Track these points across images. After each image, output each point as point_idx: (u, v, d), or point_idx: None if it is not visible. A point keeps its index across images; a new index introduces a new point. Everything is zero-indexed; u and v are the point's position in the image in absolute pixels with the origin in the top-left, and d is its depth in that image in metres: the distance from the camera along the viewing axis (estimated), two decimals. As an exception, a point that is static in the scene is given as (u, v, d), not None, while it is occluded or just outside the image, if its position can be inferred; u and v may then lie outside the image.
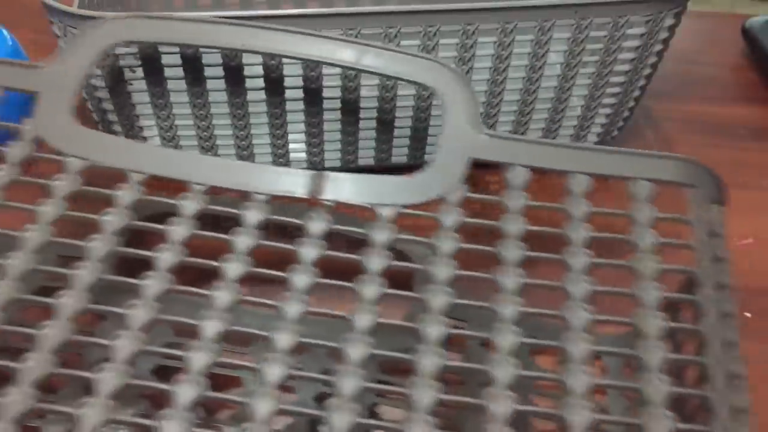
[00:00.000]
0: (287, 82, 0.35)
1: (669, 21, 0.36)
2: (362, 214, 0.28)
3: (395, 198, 0.27)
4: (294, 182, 0.27)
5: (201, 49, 0.33)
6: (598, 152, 0.28)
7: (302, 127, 0.37)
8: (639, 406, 0.23)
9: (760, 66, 0.51)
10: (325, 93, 0.36)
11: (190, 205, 0.26)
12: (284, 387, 0.23)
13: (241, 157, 0.39)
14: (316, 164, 0.39)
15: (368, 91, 0.36)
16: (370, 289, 0.25)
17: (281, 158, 0.39)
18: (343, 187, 0.27)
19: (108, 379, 0.22)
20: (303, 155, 0.39)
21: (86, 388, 0.22)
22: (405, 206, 0.27)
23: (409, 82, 0.29)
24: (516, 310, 0.24)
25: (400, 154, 0.40)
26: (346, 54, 0.29)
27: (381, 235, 0.26)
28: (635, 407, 0.29)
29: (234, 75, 0.35)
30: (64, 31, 0.33)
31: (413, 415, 0.22)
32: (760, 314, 0.35)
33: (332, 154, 0.39)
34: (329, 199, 0.27)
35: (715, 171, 0.29)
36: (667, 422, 0.22)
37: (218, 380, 0.24)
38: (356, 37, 0.33)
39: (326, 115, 0.37)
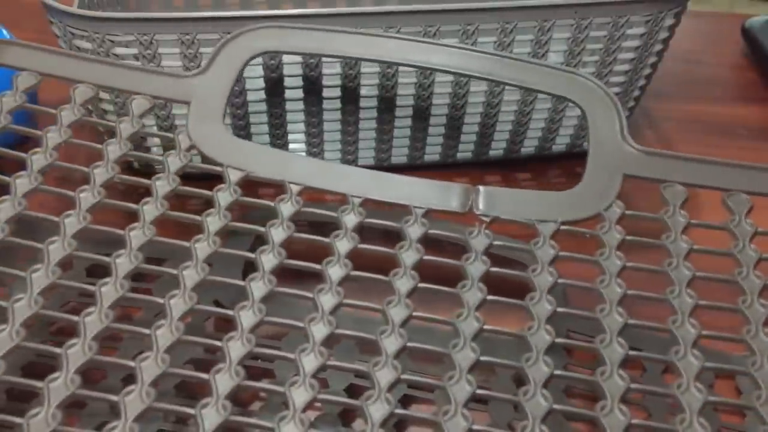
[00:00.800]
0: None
1: (669, 21, 0.36)
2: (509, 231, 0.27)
3: (554, 214, 0.27)
4: (448, 196, 0.27)
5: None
6: (758, 170, 0.28)
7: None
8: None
9: (759, 66, 0.51)
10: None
11: (350, 218, 0.26)
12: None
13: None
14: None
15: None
16: (542, 307, 0.24)
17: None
18: (497, 202, 0.27)
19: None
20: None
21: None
22: (563, 223, 0.27)
23: (551, 95, 0.29)
24: (695, 333, 0.24)
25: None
26: (485, 65, 0.29)
27: (545, 253, 0.26)
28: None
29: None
30: (64, 31, 0.33)
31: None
32: (760, 314, 0.35)
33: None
34: (486, 215, 0.27)
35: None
36: None
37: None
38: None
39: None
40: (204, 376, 0.22)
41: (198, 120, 0.28)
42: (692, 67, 0.52)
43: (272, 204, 0.27)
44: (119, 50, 0.33)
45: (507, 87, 0.36)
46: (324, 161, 0.29)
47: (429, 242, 0.26)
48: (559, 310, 0.24)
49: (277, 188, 0.28)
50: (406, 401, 0.29)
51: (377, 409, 0.22)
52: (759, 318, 0.24)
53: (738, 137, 0.46)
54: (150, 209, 0.26)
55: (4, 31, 0.41)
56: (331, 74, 0.35)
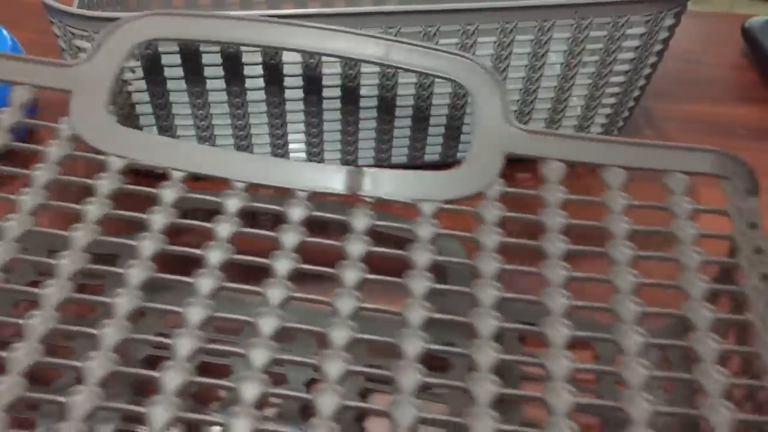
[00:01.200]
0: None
1: (669, 21, 0.36)
2: (397, 210, 0.28)
3: (435, 194, 0.27)
4: (333, 178, 0.27)
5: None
6: (632, 146, 0.29)
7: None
8: (688, 398, 0.23)
9: (759, 66, 0.51)
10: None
11: (233, 202, 0.26)
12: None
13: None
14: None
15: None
16: (419, 283, 0.25)
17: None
18: (382, 183, 0.27)
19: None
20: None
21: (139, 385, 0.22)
22: (445, 202, 0.27)
23: (439, 78, 0.29)
24: (565, 303, 0.24)
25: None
26: (378, 50, 0.29)
27: (425, 231, 0.26)
28: (678, 400, 0.29)
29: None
30: (64, 31, 0.33)
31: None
32: (760, 314, 0.35)
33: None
34: (370, 196, 0.27)
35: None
36: (729, 413, 0.22)
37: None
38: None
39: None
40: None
41: (81, 109, 0.28)
42: (692, 67, 0.51)
43: (155, 191, 0.26)
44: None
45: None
46: (213, 147, 0.28)
47: (320, 225, 0.27)
48: (436, 286, 0.25)
49: (214, 182, 0.28)
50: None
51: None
52: (626, 287, 0.25)
53: (738, 137, 0.46)
54: (28, 199, 0.26)
55: (4, 32, 0.41)
56: (332, 74, 0.35)
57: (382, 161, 0.40)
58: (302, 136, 0.38)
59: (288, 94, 0.36)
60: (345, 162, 0.40)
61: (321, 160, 0.39)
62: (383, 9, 0.33)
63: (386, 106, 0.37)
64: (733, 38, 0.54)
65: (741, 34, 0.53)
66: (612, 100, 0.39)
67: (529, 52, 0.36)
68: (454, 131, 0.39)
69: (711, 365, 0.23)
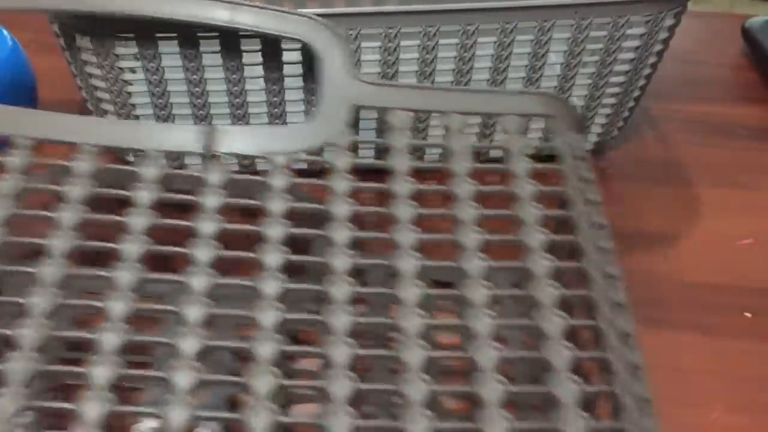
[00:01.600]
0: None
1: (669, 21, 0.36)
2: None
3: (287, 146, 0.28)
4: (187, 138, 0.28)
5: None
6: (470, 93, 0.31)
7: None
8: (538, 341, 0.24)
9: (760, 66, 0.51)
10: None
11: (82, 165, 0.27)
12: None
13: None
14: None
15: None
16: (276, 230, 0.26)
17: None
18: (235, 140, 0.28)
19: (17, 367, 0.22)
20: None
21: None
22: (297, 153, 0.28)
23: (283, 37, 0.30)
24: (416, 264, 0.25)
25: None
26: (222, 14, 0.30)
27: (279, 181, 0.27)
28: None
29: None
30: (63, 31, 0.33)
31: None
32: (760, 314, 0.35)
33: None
34: (224, 153, 0.28)
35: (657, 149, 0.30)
36: (567, 351, 0.24)
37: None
38: (356, 37, 0.33)
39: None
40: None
41: None
42: (692, 67, 0.51)
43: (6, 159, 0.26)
44: (120, 50, 0.33)
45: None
46: (65, 114, 0.28)
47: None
48: (294, 231, 0.26)
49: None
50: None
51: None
52: (472, 245, 0.26)
53: (738, 137, 0.46)
54: None
55: (4, 32, 0.41)
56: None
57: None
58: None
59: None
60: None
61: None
62: (383, 9, 0.33)
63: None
64: (733, 38, 0.54)
65: (741, 34, 0.53)
66: (612, 100, 0.39)
67: (529, 52, 0.36)
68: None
69: (549, 309, 0.25)
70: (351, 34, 0.33)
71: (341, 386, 0.22)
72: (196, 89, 0.35)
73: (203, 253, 0.25)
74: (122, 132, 0.28)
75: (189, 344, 0.23)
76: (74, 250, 0.25)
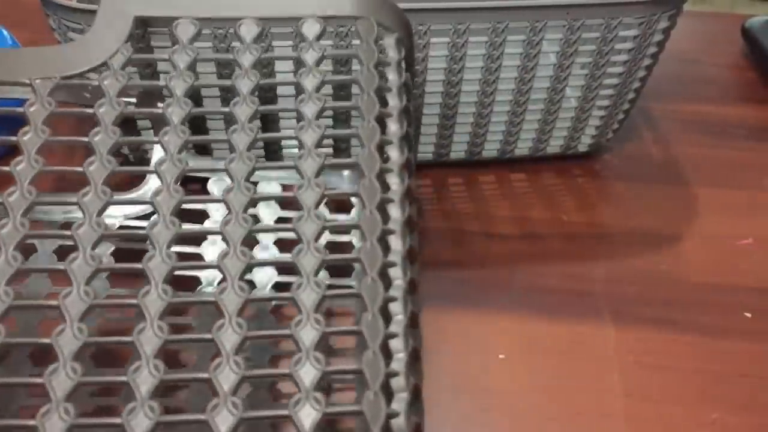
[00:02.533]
0: None
1: (663, 23, 0.36)
2: None
3: (53, 70, 0.26)
4: None
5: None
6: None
7: None
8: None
9: (760, 66, 0.51)
10: None
11: None
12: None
13: None
14: None
15: None
16: (24, 169, 0.24)
17: None
18: None
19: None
20: None
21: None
22: (66, 77, 0.26)
23: None
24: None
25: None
26: None
27: (38, 114, 0.25)
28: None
29: None
30: (59, 24, 0.33)
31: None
32: (760, 314, 0.34)
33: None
34: None
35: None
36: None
37: None
38: (347, 34, 0.33)
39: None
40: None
41: None
42: (692, 67, 0.51)
43: None
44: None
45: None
46: None
47: None
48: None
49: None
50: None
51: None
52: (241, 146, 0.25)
53: (738, 137, 0.45)
54: None
55: (5, 32, 0.41)
56: None
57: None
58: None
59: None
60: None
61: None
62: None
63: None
64: (733, 38, 0.54)
65: (741, 34, 0.53)
66: (605, 102, 0.39)
67: (521, 52, 0.35)
68: (446, 130, 0.38)
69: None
70: (342, 32, 0.33)
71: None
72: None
73: None
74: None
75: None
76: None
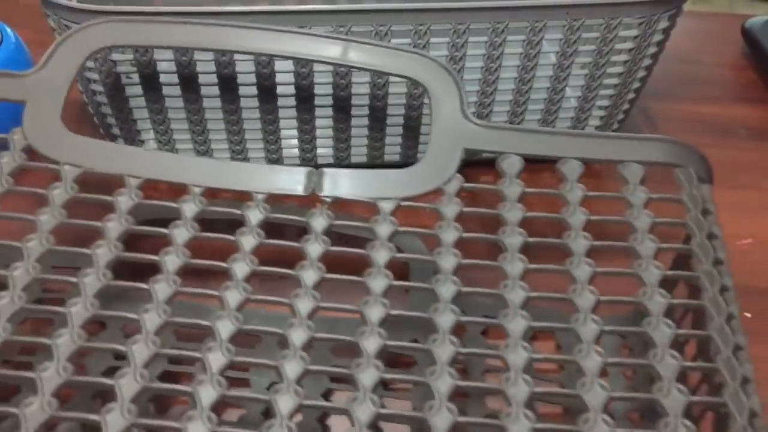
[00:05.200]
0: (279, 79, 0.35)
1: (663, 23, 0.36)
2: (357, 211, 0.28)
3: (394, 191, 0.27)
4: (291, 180, 0.27)
5: (194, 53, 0.34)
6: (588, 138, 0.29)
7: (295, 124, 0.37)
8: (650, 383, 0.23)
9: (759, 66, 0.51)
10: (317, 90, 0.36)
11: (190, 207, 0.26)
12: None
13: (235, 159, 0.39)
14: (308, 161, 0.39)
15: (360, 88, 0.36)
16: (380, 282, 0.25)
17: (274, 155, 0.39)
18: (341, 183, 0.27)
19: (127, 384, 0.22)
20: (296, 151, 0.39)
21: (98, 395, 0.22)
22: (404, 199, 0.27)
23: (395, 76, 0.29)
24: (524, 295, 0.25)
25: (392, 152, 0.40)
26: (333, 50, 0.29)
27: (384, 229, 0.26)
28: (640, 385, 0.29)
29: (225, 78, 0.35)
30: (58, 24, 0.33)
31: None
32: (760, 314, 0.34)
33: (325, 150, 0.39)
34: (328, 196, 0.27)
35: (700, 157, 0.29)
36: (681, 396, 0.22)
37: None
38: (347, 34, 0.33)
39: (318, 112, 0.37)
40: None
41: (34, 118, 0.28)
42: (692, 67, 0.51)
43: (111, 198, 0.26)
44: (116, 56, 0.34)
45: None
46: (171, 153, 0.28)
47: (278, 228, 0.27)
48: (396, 283, 0.25)
49: (174, 189, 0.27)
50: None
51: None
52: (583, 277, 0.25)
53: (738, 137, 0.45)
54: None
55: (8, 30, 0.41)
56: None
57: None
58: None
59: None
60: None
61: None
62: (375, 6, 0.33)
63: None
64: (732, 38, 0.54)
65: (741, 34, 0.53)
66: (605, 102, 0.39)
67: (521, 52, 0.35)
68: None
69: (664, 350, 0.23)
70: (342, 31, 0.33)
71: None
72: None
73: (304, 304, 0.24)
74: (227, 173, 0.27)
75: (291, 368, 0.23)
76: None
